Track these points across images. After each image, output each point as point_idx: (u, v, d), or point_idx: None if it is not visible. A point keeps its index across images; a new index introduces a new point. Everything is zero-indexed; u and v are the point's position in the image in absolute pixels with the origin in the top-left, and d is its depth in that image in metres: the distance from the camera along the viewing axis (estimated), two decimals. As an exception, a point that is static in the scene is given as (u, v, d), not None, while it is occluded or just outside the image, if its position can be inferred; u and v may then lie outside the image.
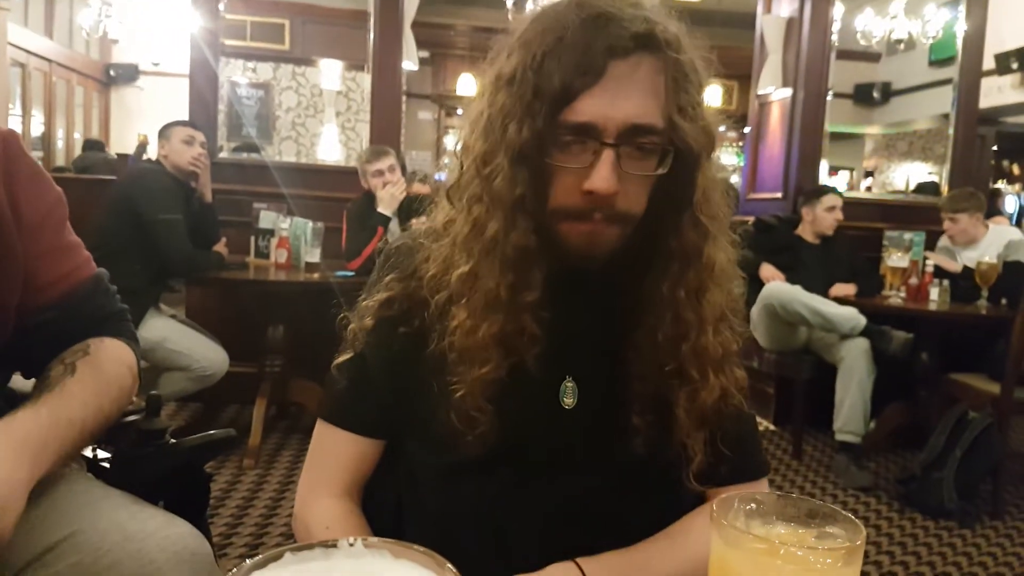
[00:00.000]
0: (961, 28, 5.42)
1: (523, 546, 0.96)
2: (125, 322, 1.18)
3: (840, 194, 4.46)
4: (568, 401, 0.97)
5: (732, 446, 0.96)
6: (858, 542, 0.58)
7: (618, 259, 0.92)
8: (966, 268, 4.20)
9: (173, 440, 1.14)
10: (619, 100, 0.84)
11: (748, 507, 0.63)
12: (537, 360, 0.91)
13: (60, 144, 9.97)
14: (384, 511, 1.04)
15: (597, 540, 0.94)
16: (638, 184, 0.88)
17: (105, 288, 1.16)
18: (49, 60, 9.52)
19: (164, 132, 3.74)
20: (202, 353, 3.58)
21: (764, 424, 4.83)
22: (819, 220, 4.36)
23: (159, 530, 0.93)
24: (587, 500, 0.96)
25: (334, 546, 0.49)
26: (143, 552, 0.88)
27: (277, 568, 0.47)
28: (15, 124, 8.67)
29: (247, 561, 0.46)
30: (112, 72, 10.89)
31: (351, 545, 0.50)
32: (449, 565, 0.47)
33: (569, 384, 0.97)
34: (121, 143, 10.19)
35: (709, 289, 0.93)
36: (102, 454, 1.20)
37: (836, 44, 5.23)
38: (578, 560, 0.90)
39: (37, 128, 9.36)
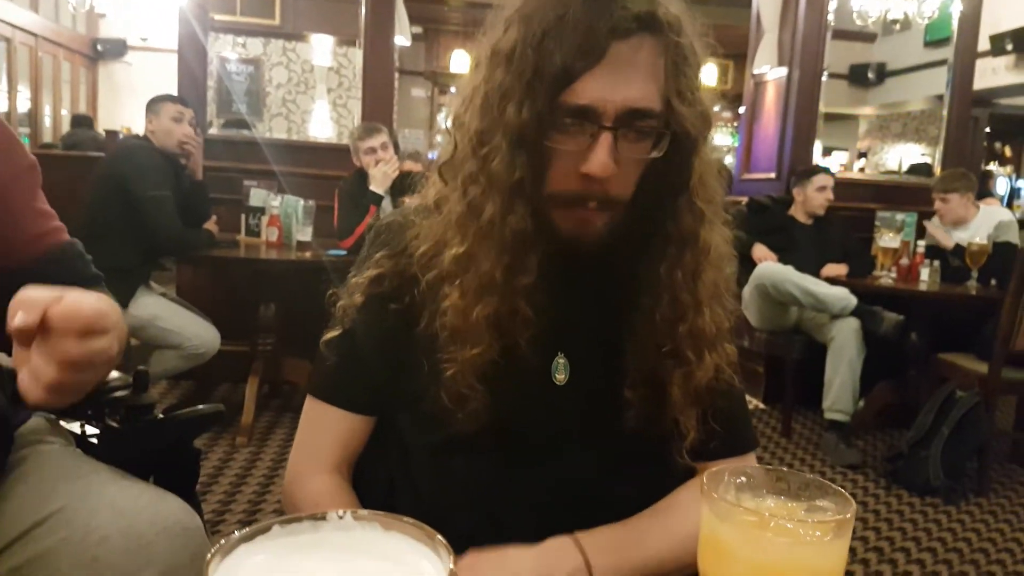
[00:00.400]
0: (957, 9, 5.40)
1: (516, 523, 0.95)
2: (103, 287, 1.13)
3: (831, 174, 4.46)
4: (560, 378, 0.97)
5: (722, 421, 0.96)
6: (848, 515, 0.58)
7: (613, 241, 0.92)
8: (958, 245, 4.22)
9: (161, 416, 1.13)
10: (619, 83, 0.83)
11: (738, 480, 0.63)
12: (530, 339, 0.91)
13: (48, 121, 9.86)
14: (375, 489, 1.04)
15: (590, 515, 0.95)
16: (632, 167, 0.88)
17: (80, 254, 1.12)
18: (35, 35, 9.40)
19: (153, 107, 3.69)
20: (193, 331, 3.57)
21: (754, 403, 4.86)
22: (810, 200, 4.36)
23: (150, 505, 0.92)
24: (580, 476, 0.96)
25: (323, 518, 0.49)
26: (133, 527, 0.88)
27: (265, 540, 0.47)
28: (1, 100, 8.58)
29: (235, 533, 0.46)
30: (99, 47, 10.76)
31: (340, 518, 0.49)
32: (439, 537, 0.47)
33: (561, 361, 0.97)
34: (109, 119, 10.10)
35: (705, 271, 0.93)
36: (90, 430, 1.20)
37: (832, 24, 5.21)
38: (576, 534, 0.90)
39: (24, 104, 9.25)
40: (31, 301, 0.70)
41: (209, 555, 0.43)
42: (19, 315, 0.68)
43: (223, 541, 0.45)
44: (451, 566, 0.44)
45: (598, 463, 0.97)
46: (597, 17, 0.83)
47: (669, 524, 0.95)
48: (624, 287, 0.95)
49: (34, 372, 0.68)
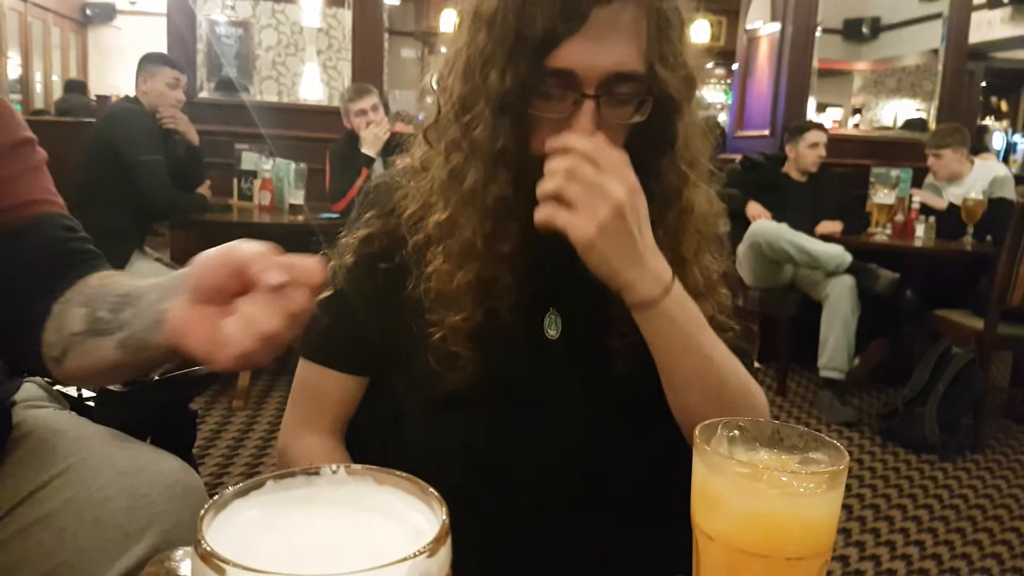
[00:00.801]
0: (952, -40, 5.34)
1: (511, 477, 0.96)
2: (103, 263, 1.04)
3: (824, 130, 4.44)
4: (552, 332, 0.98)
5: None
6: (841, 466, 0.59)
7: None
8: (951, 205, 4.21)
9: (157, 377, 1.13)
10: (601, 48, 0.83)
11: (731, 433, 0.63)
12: (520, 298, 0.92)
13: (39, 88, 9.77)
14: (369, 449, 1.04)
15: (586, 468, 0.95)
16: (615, 132, 0.88)
17: (76, 226, 1.03)
18: (24, 0, 9.29)
19: (148, 68, 3.64)
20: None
21: (750, 361, 4.88)
22: (802, 157, 4.34)
23: (150, 464, 0.93)
24: (575, 429, 0.97)
25: (316, 473, 0.49)
26: (136, 486, 0.88)
27: (259, 495, 0.47)
28: (-9, 66, 8.49)
29: (229, 489, 0.46)
30: (88, 12, 10.64)
31: (334, 472, 0.49)
32: (432, 490, 0.47)
33: (553, 316, 0.98)
34: (100, 84, 10.01)
35: (687, 229, 0.94)
36: (87, 393, 1.20)
37: (826, -24, 5.16)
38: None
39: (14, 71, 9.17)
40: (271, 258, 0.67)
41: (203, 510, 0.43)
42: (274, 272, 0.66)
43: (217, 497, 0.45)
44: (444, 519, 0.44)
45: (593, 414, 0.98)
46: None
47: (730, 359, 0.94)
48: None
49: (250, 323, 0.66)
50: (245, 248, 0.68)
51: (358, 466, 0.49)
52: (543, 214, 0.82)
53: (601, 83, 0.84)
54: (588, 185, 0.80)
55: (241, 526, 0.44)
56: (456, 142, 0.90)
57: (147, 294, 0.80)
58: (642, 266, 0.84)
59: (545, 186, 0.82)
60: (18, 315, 0.90)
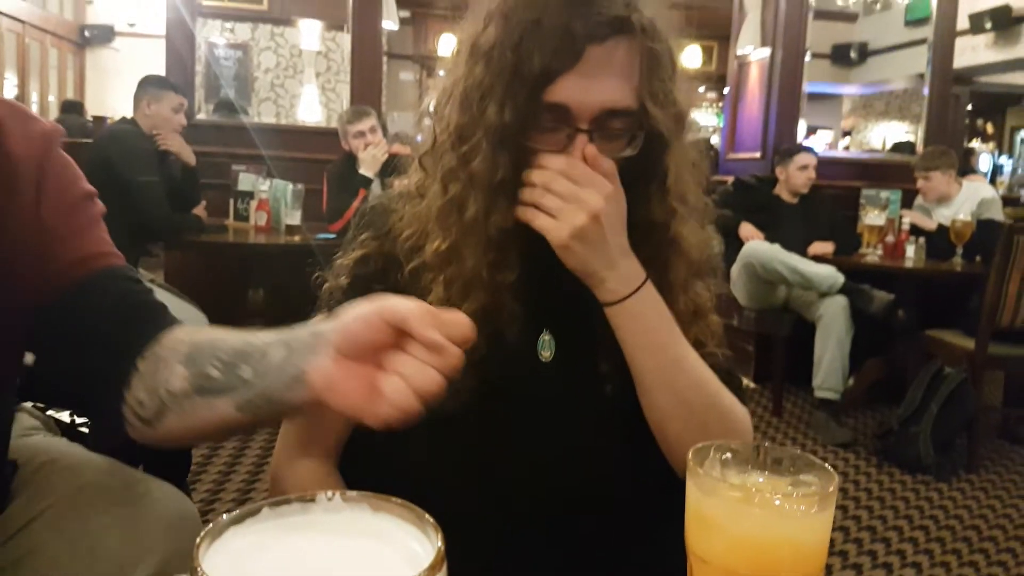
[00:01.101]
0: (937, -12, 5.41)
1: (506, 500, 0.97)
2: (169, 313, 0.97)
3: (813, 153, 4.48)
4: (545, 354, 0.99)
5: None
6: (831, 489, 0.59)
7: None
8: (941, 226, 4.23)
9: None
10: (594, 85, 0.86)
11: (723, 456, 0.64)
12: (515, 321, 0.93)
13: (35, 108, 9.79)
14: (364, 473, 1.04)
15: (581, 489, 0.96)
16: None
17: (139, 277, 0.97)
18: (22, 21, 9.32)
19: (152, 92, 3.66)
20: (181, 318, 3.53)
21: (744, 381, 4.87)
22: (792, 179, 4.37)
23: (144, 493, 0.92)
24: (569, 451, 0.97)
25: (312, 500, 0.50)
26: (130, 516, 0.88)
27: (255, 522, 0.47)
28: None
29: (225, 516, 0.46)
30: (87, 33, 10.67)
31: (329, 499, 0.50)
32: (428, 517, 0.47)
33: (546, 337, 0.99)
34: (97, 106, 10.01)
35: (674, 258, 0.97)
36: (79, 419, 1.20)
37: (813, 4, 5.23)
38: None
39: (11, 91, 9.19)
40: (434, 315, 0.68)
41: (199, 538, 0.43)
42: (435, 329, 0.67)
43: (212, 524, 0.45)
44: (439, 545, 0.44)
45: (587, 436, 0.98)
46: (573, 20, 0.85)
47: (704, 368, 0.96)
48: None
49: (411, 379, 0.67)
50: (400, 304, 0.69)
51: (354, 493, 0.49)
52: (524, 213, 0.89)
53: (594, 118, 0.87)
54: (564, 196, 0.86)
55: (237, 554, 0.44)
56: (454, 171, 0.91)
57: (270, 352, 0.77)
58: (614, 267, 0.90)
59: (524, 196, 0.88)
60: (94, 373, 0.86)
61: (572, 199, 0.86)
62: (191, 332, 0.88)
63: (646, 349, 0.92)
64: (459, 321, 0.68)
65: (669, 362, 0.93)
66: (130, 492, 0.92)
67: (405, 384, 0.67)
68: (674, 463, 0.96)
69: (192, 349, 0.83)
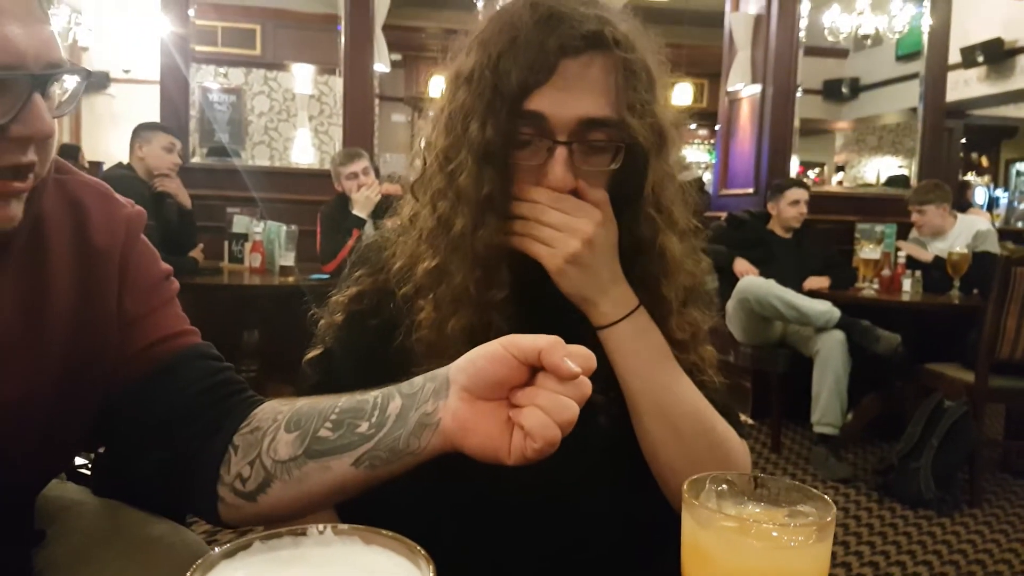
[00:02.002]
0: (927, 23, 5.49)
1: (496, 530, 0.96)
2: (250, 392, 0.94)
3: (805, 187, 4.50)
4: None
5: None
6: (828, 519, 0.59)
7: None
8: (937, 257, 4.25)
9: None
10: (570, 97, 0.88)
11: (719, 488, 0.63)
12: None
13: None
14: (355, 504, 1.03)
15: (572, 522, 0.95)
16: (596, 178, 0.92)
17: (219, 354, 0.96)
18: (17, 68, 9.39)
19: (143, 134, 3.72)
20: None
21: (742, 418, 4.86)
22: (783, 214, 4.39)
23: (164, 537, 0.92)
24: (562, 483, 0.96)
25: (303, 533, 0.49)
26: (151, 560, 0.89)
27: (246, 556, 0.47)
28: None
29: (215, 550, 0.46)
30: (82, 80, 10.74)
31: (320, 532, 0.49)
32: (420, 549, 0.47)
33: None
34: (93, 151, 10.07)
35: (666, 276, 0.97)
36: (80, 460, 1.19)
37: (804, 40, 5.29)
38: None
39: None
40: (564, 347, 0.68)
41: (190, 572, 0.43)
42: (570, 362, 0.66)
43: (203, 559, 0.45)
44: (431, 577, 0.44)
45: (580, 468, 0.97)
46: (547, 37, 0.87)
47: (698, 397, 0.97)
48: None
49: (552, 413, 0.66)
50: (528, 338, 0.69)
51: (345, 526, 0.49)
52: (520, 243, 0.91)
53: (572, 130, 0.89)
54: (557, 226, 0.89)
55: (228, 587, 0.44)
56: (442, 191, 0.93)
57: (385, 403, 0.76)
58: (606, 292, 0.92)
59: (516, 227, 0.91)
60: (188, 455, 0.83)
61: (565, 228, 0.89)
62: (286, 402, 0.85)
63: (638, 373, 0.93)
64: (584, 353, 0.68)
65: (660, 387, 0.93)
66: (149, 533, 0.91)
67: (547, 417, 0.66)
68: (669, 494, 0.95)
69: (295, 415, 0.80)
